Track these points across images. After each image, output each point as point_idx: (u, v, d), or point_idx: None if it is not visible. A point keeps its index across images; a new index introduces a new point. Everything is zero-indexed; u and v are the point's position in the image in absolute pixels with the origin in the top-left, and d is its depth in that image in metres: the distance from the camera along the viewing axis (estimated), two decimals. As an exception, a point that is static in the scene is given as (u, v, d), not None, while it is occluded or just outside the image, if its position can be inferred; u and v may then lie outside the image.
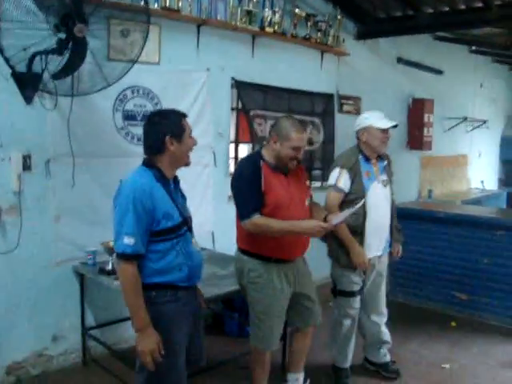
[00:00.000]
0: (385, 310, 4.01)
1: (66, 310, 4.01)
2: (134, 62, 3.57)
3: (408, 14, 6.20)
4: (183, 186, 4.58)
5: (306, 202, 3.22)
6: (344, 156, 3.68)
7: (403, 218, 5.66)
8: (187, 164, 2.57)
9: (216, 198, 4.89)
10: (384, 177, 3.66)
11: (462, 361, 4.36)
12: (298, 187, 3.17)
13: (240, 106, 5.12)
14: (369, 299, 3.86)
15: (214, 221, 4.86)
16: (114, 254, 2.55)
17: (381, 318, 3.97)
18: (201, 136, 4.66)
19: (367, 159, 3.61)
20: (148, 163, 2.48)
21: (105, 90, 3.73)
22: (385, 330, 4.01)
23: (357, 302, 3.75)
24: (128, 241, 2.31)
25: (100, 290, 4.06)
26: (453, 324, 5.16)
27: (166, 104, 4.40)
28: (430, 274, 5.57)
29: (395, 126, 3.60)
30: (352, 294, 3.69)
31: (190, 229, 2.56)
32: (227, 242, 4.64)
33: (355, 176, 3.53)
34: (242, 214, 3.01)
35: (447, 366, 4.25)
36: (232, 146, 5.15)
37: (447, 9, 5.95)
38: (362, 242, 3.56)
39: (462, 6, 5.82)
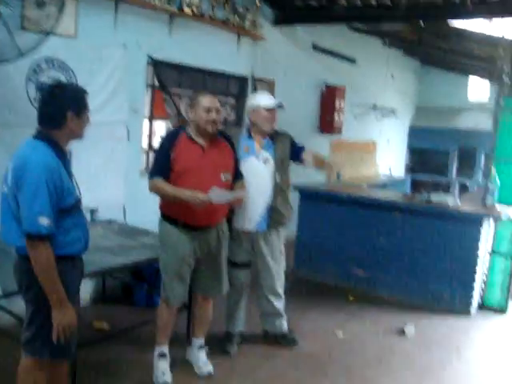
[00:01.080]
0: (280, 291, 4.12)
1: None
2: (48, 33, 3.60)
3: (323, 4, 6.47)
4: (97, 159, 4.71)
5: (222, 177, 3.40)
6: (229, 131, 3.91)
7: (309, 197, 6.07)
8: (81, 137, 2.58)
9: (129, 172, 4.99)
10: (266, 155, 3.79)
11: (355, 329, 4.74)
12: (215, 161, 3.38)
13: (157, 83, 5.22)
14: (262, 276, 4.03)
15: (125, 194, 4.96)
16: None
17: (276, 298, 4.10)
18: (115, 111, 4.79)
19: (250, 136, 3.81)
20: (45, 137, 2.42)
21: (18, 61, 3.74)
22: (279, 305, 4.15)
23: (241, 273, 3.94)
24: (43, 221, 2.29)
25: (8, 258, 4.07)
26: (351, 297, 5.53)
27: (81, 78, 4.44)
28: (331, 251, 5.93)
29: (281, 106, 3.80)
30: (234, 265, 3.88)
31: (81, 202, 2.61)
32: (138, 216, 4.81)
33: None
34: (149, 175, 3.37)
35: (340, 332, 4.62)
36: (146, 122, 5.25)
37: (359, 3, 6.26)
38: (232, 213, 3.73)
39: (373, 2, 6.15)
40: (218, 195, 3.29)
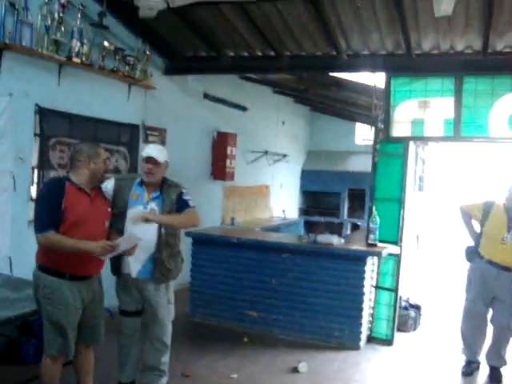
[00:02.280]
0: (165, 340, 4.01)
1: None
2: None
3: (212, 55, 6.73)
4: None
5: (105, 223, 3.53)
6: (125, 175, 3.96)
7: (202, 243, 6.18)
8: None
9: (15, 222, 4.86)
10: (153, 206, 3.80)
11: (250, 371, 4.83)
12: (99, 208, 3.49)
13: (44, 132, 5.17)
14: (149, 325, 3.97)
15: (11, 245, 4.82)
16: None
17: (160, 347, 3.99)
18: None
19: (141, 184, 3.85)
20: None
21: None
22: (163, 359, 4.03)
23: (130, 321, 3.92)
24: None
25: None
26: (245, 340, 5.64)
27: (-36, 127, 4.36)
28: (224, 295, 6.04)
29: (150, 158, 3.77)
30: (123, 313, 3.89)
31: None
32: (26, 267, 4.63)
33: (122, 192, 3.77)
34: (37, 228, 3.26)
35: (235, 376, 4.69)
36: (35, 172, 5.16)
37: (246, 54, 6.59)
38: (119, 259, 3.74)
39: (259, 53, 6.49)
40: (126, 241, 3.40)
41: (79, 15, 5.28)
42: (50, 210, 3.25)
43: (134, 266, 3.78)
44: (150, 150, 3.89)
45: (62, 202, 3.26)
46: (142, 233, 3.62)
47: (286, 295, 5.76)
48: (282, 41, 6.06)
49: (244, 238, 6.09)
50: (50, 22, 4.98)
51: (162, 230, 3.80)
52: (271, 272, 5.81)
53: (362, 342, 5.60)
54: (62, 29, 5.09)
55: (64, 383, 3.68)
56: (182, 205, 3.86)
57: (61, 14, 5.06)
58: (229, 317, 6.02)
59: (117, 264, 3.77)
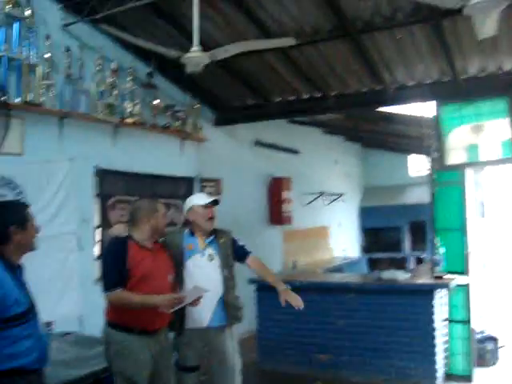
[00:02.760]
0: None
1: None
2: (-6, 155, 3.72)
3: (259, 102, 6.87)
4: (49, 271, 4.73)
5: (169, 277, 3.58)
6: (169, 232, 3.98)
7: (264, 290, 6.13)
8: (33, 249, 2.74)
9: (83, 281, 4.99)
10: (211, 251, 3.84)
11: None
12: (162, 263, 3.56)
13: (103, 192, 5.36)
14: (217, 375, 3.87)
15: (81, 304, 4.94)
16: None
17: None
18: (65, 223, 4.87)
19: (192, 234, 3.88)
20: None
21: None
22: None
23: (190, 377, 3.81)
24: None
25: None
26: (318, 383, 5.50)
27: (30, 194, 4.53)
28: (292, 340, 5.95)
29: (215, 202, 3.90)
30: (183, 369, 3.80)
31: (36, 313, 2.66)
32: (97, 324, 4.75)
33: (173, 246, 3.78)
34: (105, 287, 3.35)
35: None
36: (98, 231, 5.32)
37: (293, 98, 6.69)
38: (183, 313, 3.69)
39: (305, 96, 6.59)
40: (192, 293, 3.45)
41: (129, 78, 5.54)
42: (116, 268, 3.35)
43: (204, 315, 3.75)
44: (206, 197, 3.98)
45: (126, 259, 3.35)
46: (206, 279, 3.68)
47: (354, 336, 5.63)
48: (327, 81, 6.14)
49: (307, 280, 6.03)
50: (103, 87, 5.25)
51: (225, 272, 3.84)
52: (338, 313, 5.72)
53: (440, 380, 5.36)
54: (115, 92, 5.35)
55: None
56: (241, 252, 3.93)
57: (112, 79, 5.33)
58: (298, 362, 5.91)
59: (179, 319, 3.71)
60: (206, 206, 3.87)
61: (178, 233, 3.96)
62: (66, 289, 4.86)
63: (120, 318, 3.39)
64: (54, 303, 4.74)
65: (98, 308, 3.61)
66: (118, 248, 3.44)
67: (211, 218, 3.88)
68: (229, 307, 3.83)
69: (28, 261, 4.49)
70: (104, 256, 3.64)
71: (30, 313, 2.57)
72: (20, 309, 2.50)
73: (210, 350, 3.85)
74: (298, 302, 3.86)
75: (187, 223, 3.95)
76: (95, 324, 4.62)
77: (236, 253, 3.92)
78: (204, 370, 3.92)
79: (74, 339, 4.48)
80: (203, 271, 3.77)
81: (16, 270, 2.62)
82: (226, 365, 3.84)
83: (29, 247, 2.70)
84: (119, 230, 3.60)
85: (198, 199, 3.96)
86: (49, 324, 4.61)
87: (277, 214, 8.32)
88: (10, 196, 4.44)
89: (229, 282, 3.86)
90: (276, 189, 8.37)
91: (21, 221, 2.62)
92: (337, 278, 6.44)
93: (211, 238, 3.88)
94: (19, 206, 2.78)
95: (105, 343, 3.47)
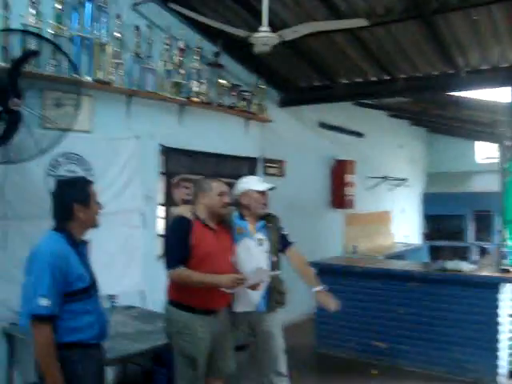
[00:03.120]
0: (283, 371, 3.86)
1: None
2: (66, 130, 3.82)
3: (326, 84, 6.77)
4: (114, 246, 4.85)
5: (231, 258, 3.59)
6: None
7: (326, 272, 6.07)
8: (96, 226, 2.77)
9: (146, 257, 5.10)
10: (260, 235, 3.81)
11: (380, 406, 4.66)
12: (224, 244, 3.56)
13: (168, 170, 5.43)
14: (262, 358, 3.88)
15: (143, 280, 5.06)
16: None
17: (277, 378, 3.84)
18: (130, 199, 4.98)
19: (242, 217, 3.85)
20: (59, 228, 2.62)
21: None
22: None
23: (238, 356, 3.81)
24: (43, 302, 2.40)
25: (28, 349, 4.14)
26: (374, 372, 5.44)
27: (97, 170, 4.68)
28: (351, 326, 5.90)
29: (272, 189, 3.88)
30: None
31: (97, 289, 2.72)
32: (158, 300, 4.85)
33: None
34: (168, 265, 3.38)
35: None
36: (162, 208, 5.41)
37: (360, 80, 6.55)
38: (233, 296, 3.66)
39: (373, 78, 6.43)
40: (256, 275, 3.45)
41: (196, 57, 5.56)
42: (179, 246, 3.37)
43: (253, 299, 3.74)
44: (262, 182, 3.93)
45: (190, 238, 3.37)
46: (255, 264, 3.65)
47: (414, 325, 5.52)
48: (396, 64, 5.98)
49: (369, 267, 5.95)
50: (170, 66, 5.29)
51: (273, 257, 3.82)
52: (398, 301, 5.61)
53: (502, 378, 5.18)
54: (182, 71, 5.38)
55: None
56: (283, 241, 3.90)
57: (180, 58, 5.36)
58: (355, 348, 5.87)
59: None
60: (262, 192, 3.85)
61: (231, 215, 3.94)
62: (129, 264, 4.99)
63: (181, 297, 3.43)
64: (117, 277, 4.87)
65: (159, 284, 3.67)
66: (183, 226, 3.44)
67: (265, 204, 3.87)
68: (273, 292, 3.81)
69: (94, 235, 4.60)
70: (168, 233, 3.65)
71: (92, 288, 2.63)
72: (83, 284, 2.55)
73: (256, 332, 3.85)
74: (332, 304, 3.77)
75: (237, 205, 3.89)
76: (156, 300, 4.74)
77: (281, 241, 3.88)
78: (250, 350, 3.98)
79: (136, 313, 4.61)
80: (252, 256, 3.73)
81: (79, 246, 2.66)
82: (272, 346, 3.84)
83: (91, 224, 2.74)
84: (184, 211, 3.60)
85: (255, 184, 3.88)
86: (112, 297, 4.77)
87: (339, 198, 8.23)
88: (79, 172, 4.57)
89: (276, 267, 3.84)
90: (339, 172, 8.28)
91: (84, 198, 2.65)
92: (399, 265, 6.31)
93: (261, 222, 3.86)
94: (83, 182, 2.80)
95: (166, 321, 3.51)
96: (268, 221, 3.89)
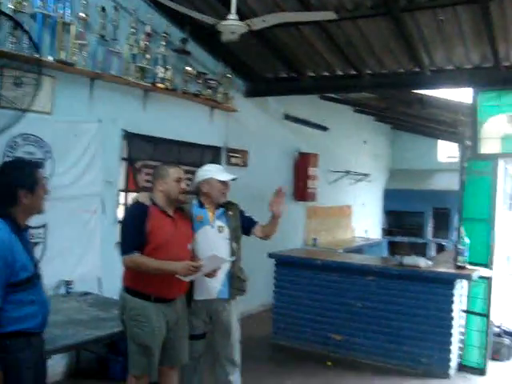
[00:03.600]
0: (236, 359, 3.95)
1: None
2: (24, 111, 3.72)
3: (292, 76, 6.76)
4: (72, 232, 4.76)
5: (189, 246, 3.55)
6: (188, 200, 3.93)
7: (285, 264, 6.13)
8: (41, 212, 2.62)
9: (104, 244, 5.02)
10: (220, 223, 3.83)
11: (333, 397, 4.70)
12: (183, 231, 3.52)
13: (130, 156, 5.36)
14: (217, 345, 3.93)
15: (100, 266, 4.98)
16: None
17: (231, 367, 3.93)
18: (90, 184, 4.89)
19: (201, 205, 3.84)
20: (1, 214, 2.45)
21: None
22: (234, 378, 3.95)
23: (198, 345, 3.84)
24: None
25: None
26: (329, 363, 5.51)
27: (57, 153, 4.58)
28: (308, 318, 5.93)
29: (234, 179, 3.87)
30: (191, 337, 3.77)
31: (40, 276, 2.61)
32: (114, 287, 4.79)
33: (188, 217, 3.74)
34: (122, 251, 3.33)
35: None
36: (122, 194, 5.33)
37: (327, 73, 6.56)
38: (192, 284, 3.68)
39: (340, 72, 6.45)
40: (211, 262, 3.43)
41: (163, 43, 5.48)
42: (134, 232, 3.32)
43: (213, 286, 3.76)
44: (225, 173, 3.90)
45: (146, 224, 3.32)
46: (215, 251, 3.64)
47: (371, 319, 5.59)
48: (363, 59, 6.00)
49: (327, 260, 5.98)
50: (136, 51, 5.19)
51: (234, 245, 3.83)
52: (356, 295, 5.67)
53: (452, 370, 5.32)
54: (147, 56, 5.30)
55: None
56: (249, 222, 3.95)
57: (146, 43, 5.27)
58: (312, 340, 5.91)
59: (189, 291, 3.70)
60: (224, 182, 3.84)
61: (187, 203, 3.89)
62: (86, 250, 4.91)
63: (136, 284, 3.39)
64: (74, 263, 4.80)
65: (117, 271, 3.61)
66: (139, 212, 3.39)
67: (226, 193, 3.86)
68: (235, 279, 3.84)
69: (51, 220, 4.58)
70: (124, 219, 3.56)
71: (35, 277, 2.52)
72: (26, 273, 2.44)
73: (215, 321, 3.87)
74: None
75: (197, 193, 3.89)
76: (113, 287, 4.67)
77: (244, 224, 3.91)
78: (208, 338, 3.95)
79: (91, 300, 4.54)
80: (212, 243, 3.74)
81: (23, 232, 2.54)
82: (229, 335, 3.89)
83: (36, 210, 2.59)
84: (143, 197, 3.54)
85: (218, 173, 3.86)
86: (68, 283, 4.68)
87: (302, 190, 8.26)
88: (38, 154, 4.47)
89: (236, 254, 3.86)
90: (302, 164, 8.30)
91: (30, 184, 2.50)
92: (357, 259, 6.37)
93: (221, 210, 3.86)
94: (29, 166, 2.66)
95: (120, 308, 3.47)
96: (228, 208, 3.89)
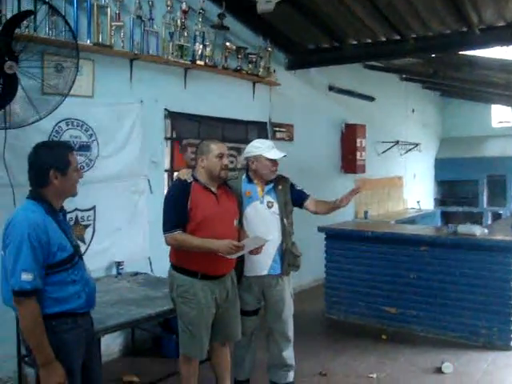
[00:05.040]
0: (289, 334, 3.92)
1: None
2: (65, 96, 3.73)
3: (335, 45, 6.59)
4: (121, 213, 4.81)
5: (234, 222, 3.49)
6: (232, 177, 3.85)
7: (335, 237, 6.04)
8: (74, 195, 2.61)
9: (153, 223, 5.01)
10: (269, 199, 3.76)
11: (389, 370, 4.60)
12: (226, 207, 3.46)
13: (174, 135, 5.34)
14: (270, 321, 3.89)
15: (149, 246, 5.01)
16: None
17: (284, 342, 3.89)
18: (135, 165, 4.93)
19: (250, 181, 3.78)
20: (35, 196, 2.47)
21: (40, 122, 3.87)
22: (288, 353, 3.92)
23: (250, 321, 3.81)
24: (26, 277, 2.28)
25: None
26: (383, 337, 5.41)
27: (101, 135, 4.61)
28: (361, 291, 5.85)
29: (284, 156, 3.75)
30: (244, 313, 3.74)
31: (81, 256, 2.60)
32: (164, 266, 4.81)
33: (236, 194, 3.67)
34: (165, 229, 3.32)
35: (374, 375, 4.48)
36: (168, 173, 5.34)
37: (369, 40, 6.36)
38: (242, 260, 3.64)
39: (383, 38, 6.24)
40: (252, 242, 3.38)
41: (200, 19, 5.41)
42: (176, 210, 3.30)
43: (264, 263, 3.71)
44: (275, 150, 3.78)
45: (188, 201, 3.29)
46: (265, 227, 3.63)
47: (425, 290, 5.44)
48: (407, 22, 5.77)
49: (379, 231, 5.85)
50: (173, 29, 5.15)
51: (284, 220, 3.76)
52: (409, 266, 5.53)
53: (514, 342, 5.13)
54: (185, 34, 5.24)
55: (204, 379, 3.78)
56: (300, 195, 3.86)
57: (183, 20, 5.21)
58: (366, 313, 5.82)
59: (239, 267, 3.67)
60: (273, 160, 3.75)
61: (237, 178, 3.87)
62: (135, 231, 4.96)
63: (182, 261, 3.37)
64: (124, 244, 4.85)
65: (165, 251, 3.60)
66: (180, 189, 3.37)
67: (275, 170, 3.78)
68: (287, 255, 3.78)
69: (100, 202, 4.63)
70: (165, 197, 3.50)
71: (74, 257, 2.51)
72: (65, 254, 2.43)
73: (267, 297, 3.83)
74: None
75: (246, 168, 3.85)
76: (163, 266, 4.68)
77: (295, 197, 3.83)
78: (261, 314, 3.94)
79: (142, 280, 4.58)
80: (262, 219, 3.70)
81: (58, 214, 2.53)
82: (282, 311, 3.85)
83: (69, 193, 2.56)
84: (185, 174, 3.51)
85: (267, 150, 3.74)
86: (119, 264, 4.73)
87: (350, 162, 8.12)
88: (83, 138, 4.52)
89: (288, 229, 3.79)
90: (350, 136, 8.13)
91: (61, 165, 2.47)
92: (409, 229, 6.22)
93: (270, 185, 3.79)
94: (61, 147, 2.61)
95: (169, 285, 3.47)
96: (277, 183, 3.82)
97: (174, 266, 3.44)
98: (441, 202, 12.24)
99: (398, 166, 10.20)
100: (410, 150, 10.37)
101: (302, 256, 3.91)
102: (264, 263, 3.72)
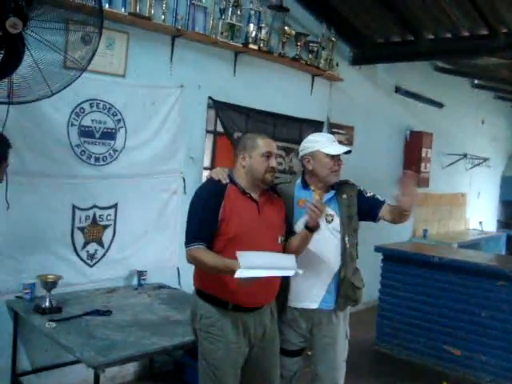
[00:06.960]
0: (340, 381, 3.13)
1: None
2: (82, 70, 3.06)
3: (408, 39, 5.81)
4: (147, 214, 4.15)
5: (279, 239, 2.72)
6: (282, 181, 3.09)
7: (393, 260, 5.26)
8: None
9: (184, 229, 4.35)
10: (329, 210, 2.92)
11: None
12: (270, 220, 2.69)
13: (221, 128, 4.71)
14: (318, 365, 3.09)
15: (180, 255, 4.30)
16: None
17: None
18: (169, 160, 4.35)
19: (306, 186, 2.99)
20: None
21: (58, 101, 3.35)
22: None
23: (292, 363, 3.07)
24: None
25: (39, 333, 3.51)
26: (444, 383, 4.63)
27: (131, 122, 4.01)
28: (420, 325, 5.06)
29: (348, 152, 2.95)
30: (284, 353, 3.00)
31: None
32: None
33: (285, 200, 2.92)
34: (185, 241, 2.58)
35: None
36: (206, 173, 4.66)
37: (449, 35, 5.56)
38: (286, 287, 2.91)
39: (466, 33, 5.43)
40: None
41: (257, -3, 4.72)
42: (203, 218, 2.55)
43: (315, 293, 2.94)
44: (337, 145, 2.99)
45: (220, 209, 2.55)
46: (320, 248, 2.85)
47: (499, 333, 4.60)
48: (499, 14, 4.93)
49: (447, 257, 5.01)
50: (224, 5, 4.48)
51: (346, 239, 2.94)
52: (481, 302, 4.70)
53: None
54: (238, 12, 4.58)
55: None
56: (373, 204, 2.97)
57: (237, -3, 4.53)
58: (423, 351, 5.02)
59: (282, 295, 2.91)
60: (335, 156, 2.93)
61: (290, 182, 3.07)
62: (164, 235, 4.31)
63: (209, 286, 2.63)
64: (149, 250, 4.24)
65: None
66: (212, 192, 2.62)
67: (337, 171, 2.95)
68: (346, 285, 2.95)
69: (123, 199, 3.97)
70: (192, 200, 2.71)
71: None
72: None
73: (316, 335, 3.01)
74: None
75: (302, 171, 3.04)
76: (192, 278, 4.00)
77: (365, 209, 2.97)
78: (306, 355, 3.13)
79: (166, 295, 3.94)
80: (318, 237, 2.82)
81: None
82: (335, 355, 3.04)
83: None
84: (219, 174, 2.74)
85: (326, 144, 2.94)
86: (141, 274, 4.09)
87: (413, 174, 7.30)
88: (108, 123, 3.91)
89: (349, 251, 2.95)
90: (415, 144, 7.34)
91: None
92: (483, 258, 5.36)
93: (332, 193, 2.97)
94: None
95: (191, 314, 2.73)
96: (341, 190, 3.00)
97: (199, 291, 2.69)
98: (504, 224, 11.24)
99: (462, 182, 9.32)
100: (477, 164, 9.43)
101: (363, 288, 3.08)
102: (315, 294, 2.93)
